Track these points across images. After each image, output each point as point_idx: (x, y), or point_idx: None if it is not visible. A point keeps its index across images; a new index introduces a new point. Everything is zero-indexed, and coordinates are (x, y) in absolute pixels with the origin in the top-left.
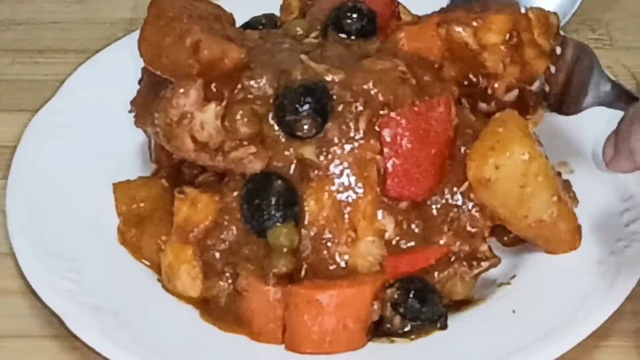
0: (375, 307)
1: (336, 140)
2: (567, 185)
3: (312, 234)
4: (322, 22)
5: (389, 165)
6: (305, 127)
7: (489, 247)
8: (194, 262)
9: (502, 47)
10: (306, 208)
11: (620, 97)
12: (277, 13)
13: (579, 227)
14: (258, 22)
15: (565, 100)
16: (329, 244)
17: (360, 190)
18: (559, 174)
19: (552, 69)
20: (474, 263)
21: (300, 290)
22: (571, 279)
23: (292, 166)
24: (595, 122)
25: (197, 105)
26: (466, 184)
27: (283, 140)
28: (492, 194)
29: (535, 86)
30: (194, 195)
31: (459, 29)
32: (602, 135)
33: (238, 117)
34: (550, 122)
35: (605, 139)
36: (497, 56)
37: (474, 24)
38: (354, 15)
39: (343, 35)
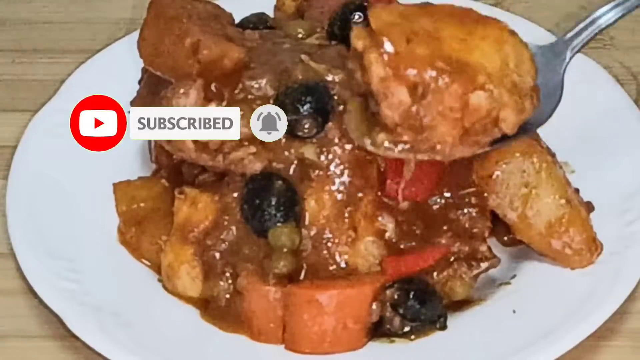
0: (375, 307)
1: (337, 140)
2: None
3: (312, 234)
4: (327, 23)
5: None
6: (306, 127)
7: (489, 248)
8: (194, 262)
9: None
10: (307, 208)
11: None
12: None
13: (594, 239)
14: (248, 22)
15: None
16: (329, 243)
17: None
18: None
19: None
20: (474, 263)
21: (300, 291)
22: (571, 279)
23: (293, 166)
24: (597, 122)
25: (197, 106)
26: (469, 189)
27: (283, 140)
28: (497, 194)
29: None
30: (194, 195)
31: None
32: (605, 135)
33: None
34: (552, 122)
35: None
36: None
37: None
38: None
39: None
